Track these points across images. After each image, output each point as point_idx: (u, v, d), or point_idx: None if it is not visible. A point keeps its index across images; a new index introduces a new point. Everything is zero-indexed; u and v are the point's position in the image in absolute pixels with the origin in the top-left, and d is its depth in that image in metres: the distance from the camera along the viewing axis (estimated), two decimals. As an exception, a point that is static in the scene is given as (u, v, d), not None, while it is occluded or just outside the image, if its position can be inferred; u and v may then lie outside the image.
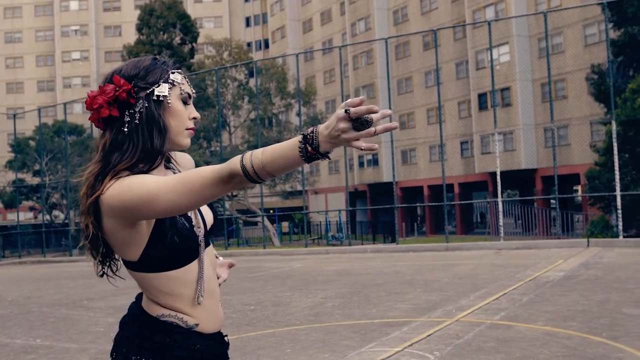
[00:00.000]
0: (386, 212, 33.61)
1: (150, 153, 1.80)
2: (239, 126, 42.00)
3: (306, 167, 50.45)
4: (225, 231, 25.42)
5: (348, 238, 23.63)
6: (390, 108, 21.98)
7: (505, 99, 38.89)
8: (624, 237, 17.63)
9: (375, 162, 47.77)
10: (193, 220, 1.84)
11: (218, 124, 27.74)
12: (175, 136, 1.85)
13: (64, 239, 32.91)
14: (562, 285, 9.68)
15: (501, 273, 11.66)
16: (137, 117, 1.79)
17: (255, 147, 29.81)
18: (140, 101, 1.79)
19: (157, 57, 1.89)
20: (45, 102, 63.63)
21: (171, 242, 1.76)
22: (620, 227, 17.47)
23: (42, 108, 34.66)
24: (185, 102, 1.86)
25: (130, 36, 58.38)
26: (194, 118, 1.88)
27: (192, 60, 44.64)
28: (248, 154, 1.57)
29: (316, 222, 39.84)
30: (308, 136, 1.52)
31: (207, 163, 34.44)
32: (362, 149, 1.52)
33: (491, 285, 10.03)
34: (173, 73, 1.85)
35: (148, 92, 1.80)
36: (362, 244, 26.26)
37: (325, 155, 1.53)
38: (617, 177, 17.64)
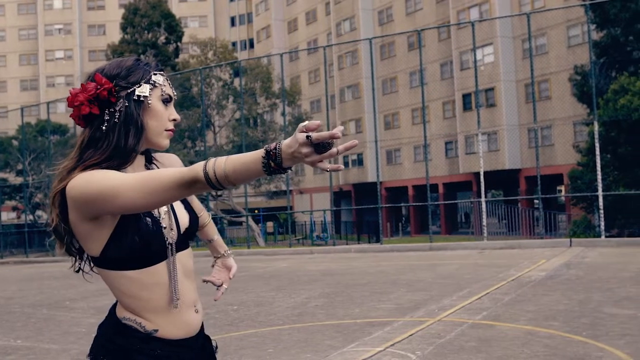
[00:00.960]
0: (371, 212, 33.67)
1: (122, 151, 1.81)
2: (224, 126, 41.93)
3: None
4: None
5: (332, 238, 23.63)
6: (375, 108, 22.09)
7: (489, 99, 39.08)
8: (606, 236, 17.76)
9: (360, 162, 47.85)
10: (163, 222, 1.84)
11: (202, 123, 27.68)
12: (154, 136, 1.87)
13: (47, 239, 32.67)
14: (544, 284, 9.74)
15: (484, 273, 11.70)
16: (117, 116, 1.81)
17: (240, 147, 29.84)
18: (121, 100, 1.81)
19: (140, 58, 1.91)
20: (29, 101, 63.21)
21: (131, 241, 1.75)
22: (603, 227, 17.60)
23: (25, 107, 34.45)
24: (166, 104, 1.89)
25: (114, 35, 58.13)
26: (174, 120, 1.91)
27: (176, 60, 44.50)
28: (212, 160, 1.58)
29: (301, 222, 39.86)
30: (271, 152, 1.53)
31: (192, 163, 34.27)
32: (327, 170, 1.54)
33: (474, 285, 10.07)
34: (155, 74, 1.87)
35: (129, 91, 1.82)
36: (347, 244, 26.28)
37: (285, 171, 1.55)
38: (599, 177, 17.77)
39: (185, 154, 36.13)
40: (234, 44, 63.96)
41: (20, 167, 40.81)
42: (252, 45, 64.46)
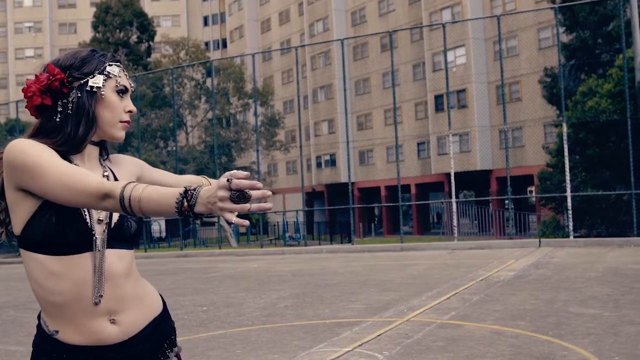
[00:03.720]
0: (343, 213, 33.71)
1: (73, 141, 1.80)
2: (196, 126, 41.74)
3: (263, 167, 50.39)
4: (181, 232, 25.23)
5: (304, 238, 23.62)
6: (346, 109, 22.12)
7: (461, 100, 39.35)
8: (575, 237, 17.98)
9: (332, 162, 47.91)
10: (94, 211, 1.79)
11: (174, 123, 27.52)
12: (108, 128, 1.86)
13: (14, 239, 32.25)
14: (512, 284, 9.83)
15: (454, 273, 11.79)
16: (70, 107, 1.80)
17: (212, 147, 29.72)
18: (74, 91, 1.80)
19: (97, 49, 1.90)
20: (-2, 100, 62.37)
21: (47, 222, 1.70)
22: (571, 228, 17.82)
23: (-7, 106, 33.96)
24: (121, 95, 1.87)
25: (85, 34, 57.59)
26: (130, 111, 1.89)
27: (148, 59, 44.25)
28: (134, 183, 1.58)
29: (274, 223, 39.77)
30: (189, 192, 1.51)
31: (164, 163, 34.17)
32: (231, 223, 1.50)
33: (443, 285, 10.13)
34: (110, 65, 1.85)
35: (82, 82, 1.81)
36: (320, 245, 26.28)
37: (197, 216, 1.52)
38: (568, 178, 17.98)
39: (157, 154, 35.93)
40: (206, 43, 63.72)
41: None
42: (225, 45, 64.24)
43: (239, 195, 1.48)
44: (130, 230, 1.87)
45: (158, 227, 33.04)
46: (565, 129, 18.40)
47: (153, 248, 28.12)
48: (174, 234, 34.03)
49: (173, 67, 30.76)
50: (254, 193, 1.50)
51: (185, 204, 1.51)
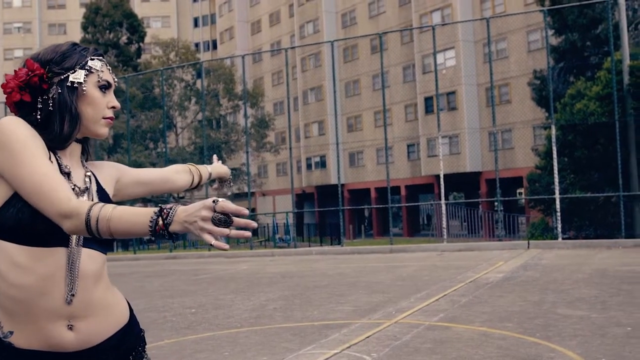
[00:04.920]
0: (333, 214, 33.75)
1: (58, 138, 1.74)
2: (186, 127, 41.67)
3: (254, 168, 50.36)
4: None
5: (294, 240, 23.61)
6: (336, 110, 22.16)
7: (451, 102, 39.45)
8: (563, 238, 18.06)
9: (323, 164, 47.93)
10: None
11: (164, 125, 27.46)
12: (91, 125, 1.79)
13: None
14: (500, 286, 9.86)
15: (443, 275, 11.81)
16: (50, 104, 1.73)
17: (202, 148, 29.66)
18: (54, 87, 1.74)
19: (78, 43, 1.83)
20: (-14, 100, 62.09)
21: (22, 210, 1.62)
22: (559, 229, 17.89)
23: (-18, 107, 33.78)
24: (103, 90, 1.80)
25: (75, 35, 57.40)
26: (113, 107, 1.82)
27: (138, 60, 44.18)
28: (102, 204, 1.53)
29: (264, 224, 39.74)
30: (164, 211, 1.48)
31: (153, 164, 34.10)
32: (211, 244, 1.46)
33: (432, 287, 10.15)
34: (92, 59, 1.79)
35: (62, 77, 1.74)
36: (309, 246, 26.30)
37: (171, 236, 1.48)
38: (556, 180, 18.06)
39: (147, 156, 35.85)
40: (197, 45, 63.62)
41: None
42: (215, 47, 64.17)
43: (221, 219, 1.46)
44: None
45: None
46: (554, 131, 18.48)
47: (142, 250, 28.05)
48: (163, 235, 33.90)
49: (163, 69, 30.71)
50: (237, 220, 1.47)
51: (160, 222, 1.47)
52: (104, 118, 1.80)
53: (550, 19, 23.32)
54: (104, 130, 1.82)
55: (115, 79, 1.85)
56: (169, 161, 27.62)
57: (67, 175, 1.75)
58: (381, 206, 31.19)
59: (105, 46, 42.71)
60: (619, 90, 18.48)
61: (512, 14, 32.40)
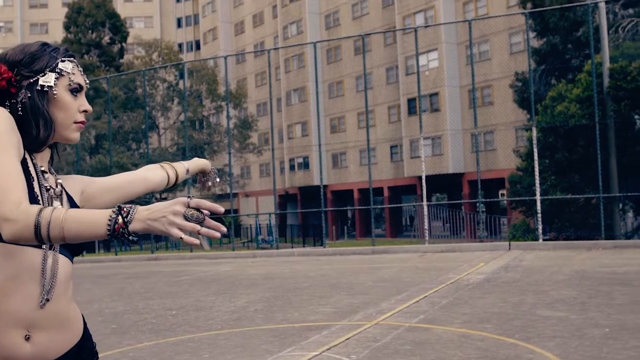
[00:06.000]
0: (316, 215, 33.78)
1: (34, 141, 1.67)
2: (168, 128, 41.52)
3: (236, 169, 50.25)
4: (151, 234, 25.00)
5: (276, 241, 23.59)
6: (318, 111, 22.18)
7: (433, 104, 39.59)
8: (544, 240, 18.17)
9: (306, 165, 47.93)
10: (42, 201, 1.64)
11: (146, 125, 27.33)
12: (62, 130, 1.70)
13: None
14: (481, 287, 9.90)
15: (424, 276, 11.84)
16: (20, 108, 1.64)
17: (185, 149, 29.57)
18: (22, 91, 1.65)
19: (48, 42, 1.75)
20: (-33, 100, 61.43)
21: None
22: (540, 231, 18.00)
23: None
24: (75, 94, 1.71)
25: (57, 34, 57.01)
26: (85, 111, 1.74)
27: (121, 61, 44.00)
28: (52, 207, 1.45)
29: (246, 225, 39.69)
30: (124, 209, 1.43)
31: (136, 165, 33.93)
32: (181, 239, 1.42)
33: (413, 288, 10.18)
34: (63, 61, 1.71)
35: (32, 81, 1.66)
36: (292, 247, 26.28)
37: (130, 235, 1.42)
38: (537, 182, 18.16)
39: (129, 156, 35.67)
40: (180, 45, 63.40)
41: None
42: (198, 47, 63.99)
43: (194, 216, 1.44)
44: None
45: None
46: (535, 133, 18.60)
47: (124, 251, 27.91)
48: (146, 237, 33.81)
49: (145, 69, 30.58)
50: (208, 220, 1.46)
51: (120, 220, 1.41)
52: (75, 122, 1.72)
53: (531, 22, 23.47)
54: (75, 135, 1.74)
55: (87, 81, 1.78)
56: (151, 162, 27.46)
57: (42, 173, 1.68)
58: (363, 207, 31.22)
59: (88, 46, 42.51)
60: (599, 93, 18.63)
61: (494, 16, 32.59)
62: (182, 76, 38.99)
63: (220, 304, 9.57)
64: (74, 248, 1.70)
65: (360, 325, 7.34)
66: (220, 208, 1.46)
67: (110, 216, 1.42)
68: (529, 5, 24.11)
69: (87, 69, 41.12)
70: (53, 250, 1.64)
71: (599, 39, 18.97)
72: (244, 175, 52.12)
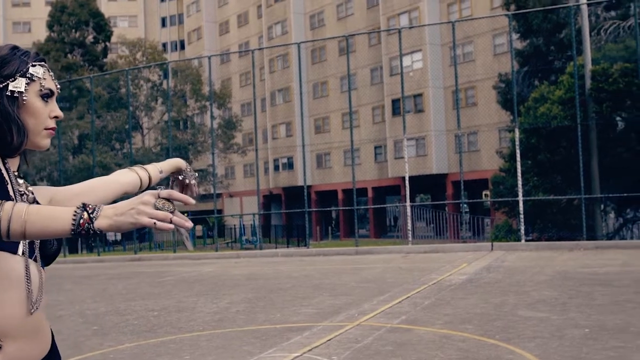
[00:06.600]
0: (300, 216, 33.77)
1: (7, 147, 1.62)
2: (152, 128, 41.36)
3: (221, 169, 50.10)
4: (134, 235, 24.96)
5: (260, 242, 23.57)
6: (302, 112, 22.18)
7: (418, 105, 39.69)
8: (526, 240, 18.27)
9: (290, 165, 47.90)
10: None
11: (129, 125, 27.21)
12: (32, 136, 1.65)
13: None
14: (463, 288, 9.94)
15: (407, 277, 11.87)
16: None
17: (168, 150, 29.47)
18: None
19: (18, 46, 1.70)
20: (-52, 99, 60.84)
21: None
22: (523, 231, 18.09)
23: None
24: (45, 99, 1.66)
25: (40, 33, 56.55)
26: (56, 117, 1.68)
27: (105, 60, 43.77)
28: (13, 202, 1.41)
29: (230, 226, 39.62)
30: (89, 206, 1.39)
31: (119, 165, 33.78)
32: (154, 225, 1.39)
33: (395, 289, 10.20)
34: (34, 66, 1.65)
35: (1, 86, 1.61)
36: (276, 248, 26.26)
37: (95, 233, 1.38)
38: (520, 182, 18.26)
39: (113, 156, 35.50)
40: (164, 45, 63.17)
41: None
42: (183, 47, 63.77)
43: (164, 207, 1.43)
44: (52, 247, 1.67)
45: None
46: (517, 134, 18.70)
47: (107, 252, 27.78)
48: (129, 237, 33.67)
49: (129, 69, 30.45)
50: (177, 214, 1.43)
51: (86, 215, 1.38)
52: (45, 129, 1.67)
53: (515, 24, 23.59)
54: (45, 141, 1.69)
55: (58, 86, 1.73)
56: (134, 162, 27.38)
57: (15, 178, 1.64)
58: (347, 208, 31.24)
59: (71, 45, 42.26)
60: (581, 95, 18.75)
61: (478, 17, 32.72)
62: (166, 76, 38.84)
63: (202, 305, 9.55)
64: (47, 256, 1.66)
65: (342, 326, 7.34)
66: (191, 199, 1.46)
67: (76, 211, 1.38)
68: (512, 7, 24.23)
69: (70, 68, 40.89)
70: (34, 259, 1.60)
71: (582, 41, 19.09)
72: (228, 176, 51.99)
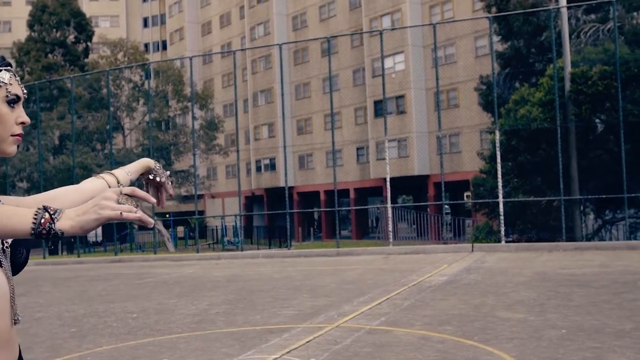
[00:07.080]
0: (282, 217, 33.74)
1: None
2: (133, 129, 41.14)
3: (203, 170, 49.93)
4: (115, 236, 24.81)
5: (242, 243, 23.52)
6: (283, 113, 22.17)
7: (400, 106, 39.79)
8: (506, 242, 18.37)
9: (272, 166, 47.84)
10: None
11: (110, 126, 27.04)
12: None
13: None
14: (443, 289, 9.98)
15: (387, 278, 11.90)
16: None
17: (149, 150, 29.32)
18: None
19: None
20: None
21: None
22: (503, 233, 18.19)
23: None
24: (12, 105, 1.61)
25: (20, 33, 56.07)
26: (22, 123, 1.63)
27: (86, 60, 43.49)
28: None
29: (212, 227, 39.50)
30: (50, 207, 1.36)
31: (100, 166, 33.56)
32: (120, 215, 1.36)
33: (375, 290, 10.21)
34: (0, 71, 1.61)
35: None
36: (258, 249, 26.22)
37: (56, 233, 1.34)
38: (500, 184, 18.37)
39: (94, 157, 35.25)
40: (146, 45, 62.86)
41: None
42: (165, 47, 63.50)
43: (127, 201, 1.40)
44: (21, 256, 1.62)
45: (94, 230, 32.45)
46: (497, 136, 18.81)
47: (88, 253, 27.60)
48: (110, 239, 33.47)
49: (110, 69, 30.28)
50: (134, 215, 1.40)
51: (47, 215, 1.34)
52: (12, 135, 1.63)
53: (496, 26, 23.72)
54: (12, 148, 1.64)
55: (25, 91, 1.68)
56: (115, 163, 27.21)
57: None
58: (328, 209, 31.25)
59: (52, 45, 41.95)
60: (561, 97, 18.90)
61: (459, 20, 32.87)
62: (147, 76, 38.61)
63: (182, 307, 9.51)
64: (16, 265, 1.62)
65: (321, 327, 7.35)
66: (152, 199, 1.44)
67: (37, 212, 1.35)
68: (493, 9, 24.35)
69: (51, 68, 40.60)
70: (2, 267, 1.55)
71: (562, 44, 19.24)
72: (210, 177, 51.81)
